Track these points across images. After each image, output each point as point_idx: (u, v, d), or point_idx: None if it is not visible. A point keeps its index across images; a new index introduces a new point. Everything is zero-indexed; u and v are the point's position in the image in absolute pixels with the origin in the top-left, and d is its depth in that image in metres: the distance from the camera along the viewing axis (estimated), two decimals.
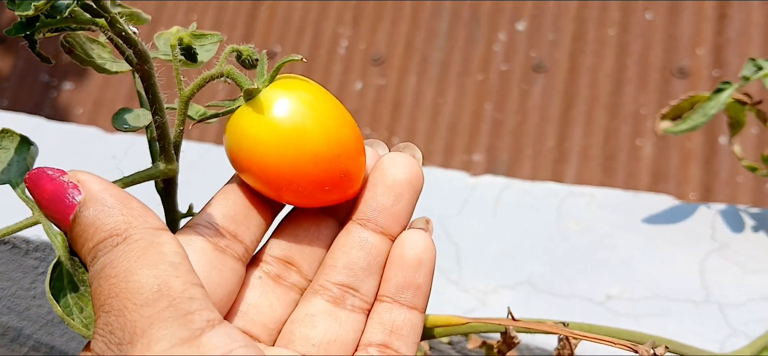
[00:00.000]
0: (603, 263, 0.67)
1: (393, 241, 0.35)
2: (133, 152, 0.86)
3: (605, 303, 0.63)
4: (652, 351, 0.35)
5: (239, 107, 0.33)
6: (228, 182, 0.36)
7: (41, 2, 0.26)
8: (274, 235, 0.36)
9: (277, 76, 0.34)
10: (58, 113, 2.07)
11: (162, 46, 0.40)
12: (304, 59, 0.33)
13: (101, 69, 0.36)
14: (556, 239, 0.69)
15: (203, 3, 2.05)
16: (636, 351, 0.35)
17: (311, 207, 0.36)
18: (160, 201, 0.40)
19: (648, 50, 1.73)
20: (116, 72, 0.36)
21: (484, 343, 0.52)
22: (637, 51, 1.74)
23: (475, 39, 1.87)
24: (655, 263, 0.66)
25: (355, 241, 0.35)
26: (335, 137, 0.33)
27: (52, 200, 0.31)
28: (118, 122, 0.35)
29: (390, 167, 0.35)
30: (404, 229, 0.36)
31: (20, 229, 0.31)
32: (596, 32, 1.80)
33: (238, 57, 0.34)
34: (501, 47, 1.87)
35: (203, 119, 0.35)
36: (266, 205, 0.35)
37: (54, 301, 0.29)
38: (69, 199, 0.30)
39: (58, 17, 0.28)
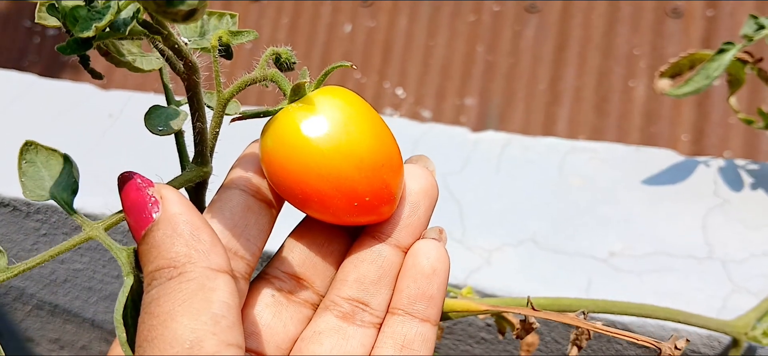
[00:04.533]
0: (606, 219, 0.67)
1: (405, 253, 0.35)
2: (130, 110, 0.85)
3: (608, 260, 0.64)
4: (674, 347, 0.35)
5: (282, 109, 0.33)
6: (222, 189, 0.35)
7: (103, 22, 0.26)
8: (285, 250, 0.35)
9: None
10: (43, 60, 2.04)
11: (183, 31, 0.39)
12: (355, 66, 0.33)
13: (134, 68, 0.35)
14: (558, 195, 0.69)
15: None
16: (659, 348, 0.35)
17: (338, 224, 0.35)
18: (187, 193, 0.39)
19: None
20: (149, 70, 0.35)
21: (496, 314, 0.53)
22: None
23: None
24: (657, 220, 0.66)
25: (367, 254, 0.34)
26: (379, 147, 0.32)
27: (132, 209, 0.30)
28: (153, 124, 0.33)
29: (410, 178, 0.35)
30: (417, 240, 0.35)
31: (73, 246, 0.30)
32: None
33: (277, 60, 0.34)
34: None
35: (242, 118, 0.34)
36: (266, 213, 0.34)
37: (121, 326, 0.28)
38: (146, 213, 0.30)
39: (117, 33, 0.27)
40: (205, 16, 0.41)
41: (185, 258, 0.28)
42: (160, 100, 0.84)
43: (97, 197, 0.75)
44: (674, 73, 0.65)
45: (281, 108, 0.33)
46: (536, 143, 0.74)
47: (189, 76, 0.32)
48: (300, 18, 1.93)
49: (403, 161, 0.35)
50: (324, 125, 0.32)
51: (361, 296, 0.34)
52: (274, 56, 0.34)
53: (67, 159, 0.33)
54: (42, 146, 0.33)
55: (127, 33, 0.27)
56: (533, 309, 0.37)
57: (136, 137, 0.81)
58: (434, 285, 0.34)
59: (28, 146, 0.33)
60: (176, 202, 0.30)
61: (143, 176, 0.31)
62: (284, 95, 0.33)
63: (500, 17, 1.82)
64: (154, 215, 0.29)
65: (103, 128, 0.83)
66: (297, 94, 0.33)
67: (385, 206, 0.33)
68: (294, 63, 0.34)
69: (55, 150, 0.33)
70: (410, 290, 0.34)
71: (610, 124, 1.67)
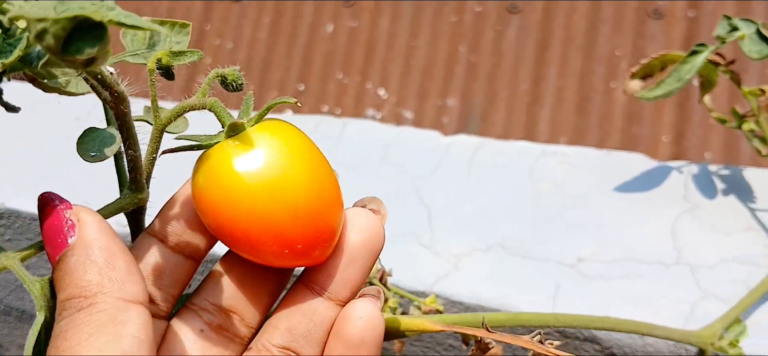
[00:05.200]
0: (575, 224, 0.66)
1: (342, 306, 0.32)
2: (98, 113, 0.83)
3: (577, 266, 0.63)
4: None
5: (218, 143, 0.31)
6: (141, 236, 0.32)
7: (11, 58, 0.24)
8: (213, 278, 0.33)
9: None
10: None
11: (129, 43, 0.37)
12: (299, 103, 0.32)
13: (66, 92, 0.33)
14: (529, 200, 0.69)
15: None
16: None
17: (269, 266, 0.33)
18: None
19: None
20: (82, 93, 0.33)
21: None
22: None
23: None
24: (627, 225, 0.66)
25: (300, 306, 0.32)
26: (316, 192, 0.31)
27: (48, 232, 0.28)
28: (85, 149, 0.31)
29: (346, 227, 0.32)
30: (355, 295, 0.33)
31: None
32: None
33: (223, 82, 0.32)
34: None
35: (173, 151, 0.32)
36: (183, 265, 0.32)
37: None
38: (62, 237, 0.28)
39: (28, 66, 0.25)
40: (157, 26, 0.39)
41: (97, 287, 0.27)
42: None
43: None
44: (646, 74, 0.65)
45: (216, 142, 0.31)
46: (507, 147, 0.74)
47: (116, 105, 0.30)
48: (282, 18, 1.92)
49: (347, 200, 0.34)
50: (258, 165, 0.30)
51: (292, 345, 0.32)
52: (219, 78, 0.32)
53: None
54: None
55: (39, 67, 0.25)
56: (487, 330, 0.36)
57: None
58: (363, 352, 0.32)
59: None
60: (94, 226, 0.28)
61: (62, 198, 0.29)
62: (222, 126, 0.32)
63: (482, 17, 1.82)
64: (69, 240, 0.28)
65: (71, 130, 0.82)
66: (234, 131, 0.31)
67: (317, 252, 0.31)
68: (241, 85, 0.32)
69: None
70: (339, 352, 0.32)
71: (591, 125, 1.66)
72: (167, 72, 0.32)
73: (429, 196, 0.70)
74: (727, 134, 1.54)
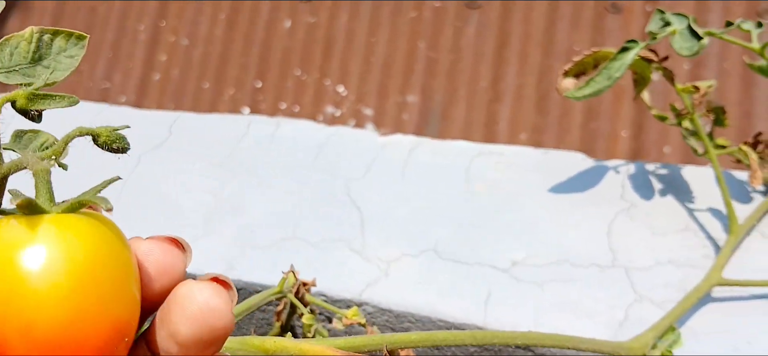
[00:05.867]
0: (510, 226, 0.64)
1: None
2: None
3: (510, 270, 0.61)
4: None
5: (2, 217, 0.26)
6: None
7: None
8: None
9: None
10: None
11: (6, 58, 0.31)
12: (110, 208, 0.25)
13: None
14: (463, 202, 0.67)
15: None
16: None
17: None
18: None
19: None
20: None
21: None
22: None
23: None
24: (562, 226, 0.64)
25: None
26: (75, 309, 0.24)
27: None
28: None
29: (177, 312, 0.24)
30: None
31: None
32: None
33: (95, 140, 0.27)
34: None
35: None
36: None
37: None
38: None
39: None
40: (46, 36, 0.34)
41: None
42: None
43: None
44: (579, 72, 0.63)
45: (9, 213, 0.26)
46: (445, 147, 0.71)
47: None
48: (238, 14, 1.88)
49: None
50: (28, 260, 0.24)
51: None
52: (90, 136, 0.27)
53: None
54: None
55: None
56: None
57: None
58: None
59: None
60: None
61: None
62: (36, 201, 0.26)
63: (441, 13, 1.80)
64: None
65: None
66: (30, 209, 0.25)
67: None
68: (124, 148, 0.27)
69: None
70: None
71: (550, 122, 1.65)
72: (27, 115, 0.27)
73: (362, 199, 0.68)
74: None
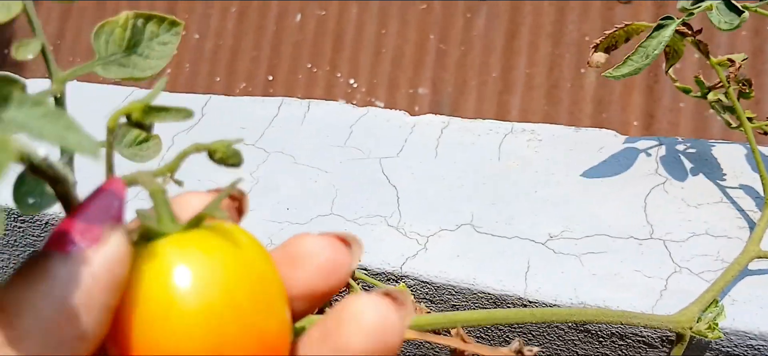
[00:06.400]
0: (545, 201, 0.65)
1: None
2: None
3: (547, 243, 0.62)
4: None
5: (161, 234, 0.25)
6: None
7: None
8: None
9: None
10: None
11: (102, 47, 0.30)
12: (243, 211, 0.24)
13: None
14: (497, 178, 0.67)
15: None
16: None
17: None
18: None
19: None
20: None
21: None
22: None
23: None
24: (597, 201, 0.64)
25: None
26: (250, 331, 0.23)
27: (93, 209, 0.23)
28: (22, 196, 0.25)
29: (349, 326, 0.23)
30: None
31: None
32: None
33: (211, 156, 0.26)
34: None
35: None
36: None
37: None
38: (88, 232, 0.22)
39: None
40: (138, 21, 0.32)
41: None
42: (86, 88, 0.80)
43: None
44: (609, 45, 0.63)
45: (159, 232, 0.24)
46: (475, 126, 0.72)
47: (55, 188, 0.24)
48: (249, 7, 1.89)
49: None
50: (174, 282, 0.23)
51: None
52: (203, 152, 0.26)
53: None
54: None
55: None
56: (463, 340, 0.33)
57: None
58: None
59: None
60: (112, 255, 0.22)
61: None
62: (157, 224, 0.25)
63: (451, 5, 1.81)
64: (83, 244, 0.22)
65: None
66: (150, 236, 0.24)
67: None
68: (237, 163, 0.26)
69: None
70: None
71: (561, 111, 1.66)
72: (141, 127, 0.26)
73: (396, 176, 0.68)
74: (696, 116, 1.54)
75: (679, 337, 0.55)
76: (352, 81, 1.79)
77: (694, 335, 0.53)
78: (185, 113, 0.26)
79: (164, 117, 0.26)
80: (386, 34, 1.78)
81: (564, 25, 1.68)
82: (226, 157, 0.26)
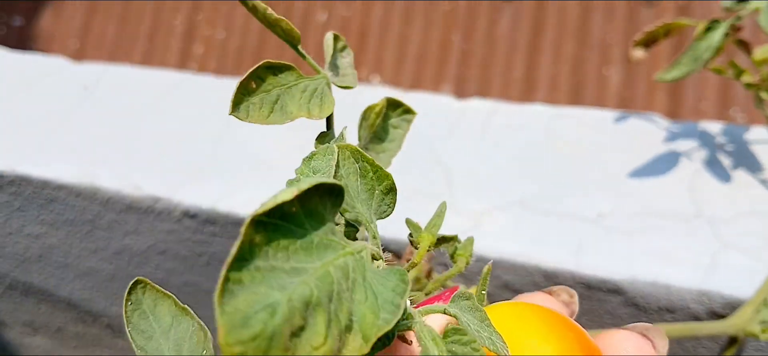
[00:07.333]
0: (593, 182, 0.67)
1: None
2: (107, 80, 0.83)
3: (598, 221, 0.64)
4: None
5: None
6: None
7: None
8: None
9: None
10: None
11: (365, 134, 0.31)
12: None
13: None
14: (544, 159, 0.69)
15: None
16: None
17: None
18: None
19: None
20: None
21: None
22: None
23: None
24: (645, 181, 0.66)
25: None
26: None
27: None
28: None
29: None
30: None
31: None
32: None
33: (452, 255, 0.29)
34: None
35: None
36: None
37: None
38: None
39: None
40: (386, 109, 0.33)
41: None
42: (139, 73, 0.83)
43: (72, 166, 0.73)
44: (649, 41, 0.65)
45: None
46: (522, 110, 0.74)
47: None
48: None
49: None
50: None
51: None
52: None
53: (188, 313, 0.25)
54: (151, 285, 0.25)
55: None
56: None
57: (114, 109, 0.79)
58: None
59: (136, 285, 0.25)
60: None
61: None
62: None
63: (475, 6, 1.83)
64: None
65: (77, 100, 0.81)
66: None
67: None
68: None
69: (168, 295, 0.25)
70: None
71: None
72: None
73: (447, 157, 0.70)
74: (719, 115, 1.56)
75: (733, 340, 0.56)
76: (376, 79, 1.81)
77: (747, 336, 0.55)
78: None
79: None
80: (410, 34, 1.80)
81: (588, 26, 1.70)
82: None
